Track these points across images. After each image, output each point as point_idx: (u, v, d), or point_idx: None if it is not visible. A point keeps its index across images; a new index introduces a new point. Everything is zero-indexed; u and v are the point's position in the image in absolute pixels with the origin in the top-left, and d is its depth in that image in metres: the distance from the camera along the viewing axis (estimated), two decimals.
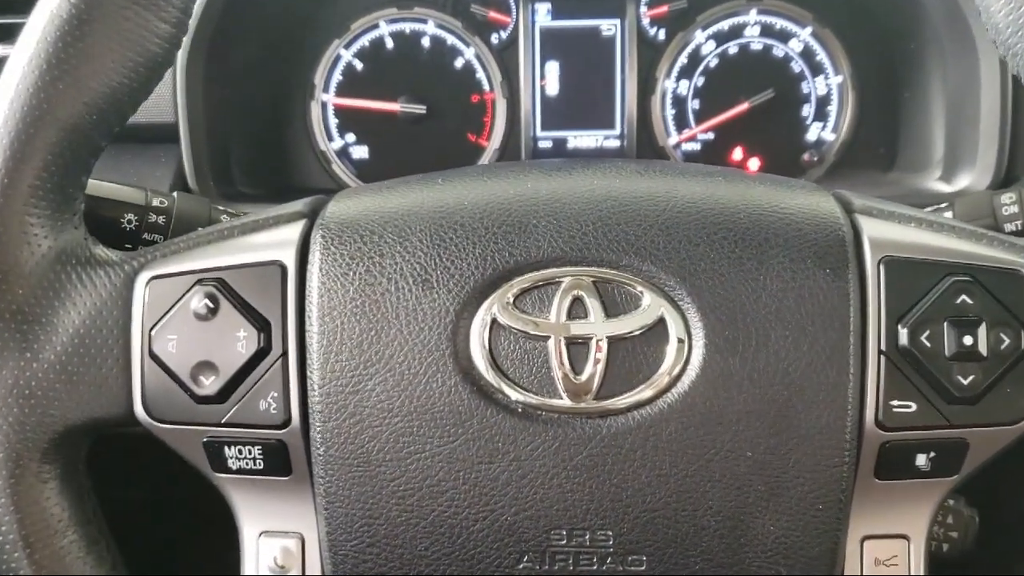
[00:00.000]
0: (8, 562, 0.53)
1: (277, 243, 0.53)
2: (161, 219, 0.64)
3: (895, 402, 0.50)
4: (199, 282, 0.52)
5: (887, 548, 0.53)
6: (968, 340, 0.49)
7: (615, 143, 0.96)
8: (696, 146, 0.96)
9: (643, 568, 0.50)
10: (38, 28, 0.49)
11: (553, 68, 0.96)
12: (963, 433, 0.51)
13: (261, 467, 0.53)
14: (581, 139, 0.96)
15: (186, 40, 0.65)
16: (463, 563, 0.52)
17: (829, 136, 0.96)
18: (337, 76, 0.97)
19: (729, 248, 0.50)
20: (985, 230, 0.54)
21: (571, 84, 0.96)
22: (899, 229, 0.52)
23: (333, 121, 0.98)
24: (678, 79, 0.96)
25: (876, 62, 0.94)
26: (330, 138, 0.98)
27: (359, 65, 0.97)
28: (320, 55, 0.96)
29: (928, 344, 0.49)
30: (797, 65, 0.95)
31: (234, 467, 0.53)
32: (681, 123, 0.96)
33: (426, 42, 0.96)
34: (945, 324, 0.49)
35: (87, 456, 0.56)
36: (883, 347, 0.50)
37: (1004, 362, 0.49)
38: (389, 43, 0.96)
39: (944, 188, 0.82)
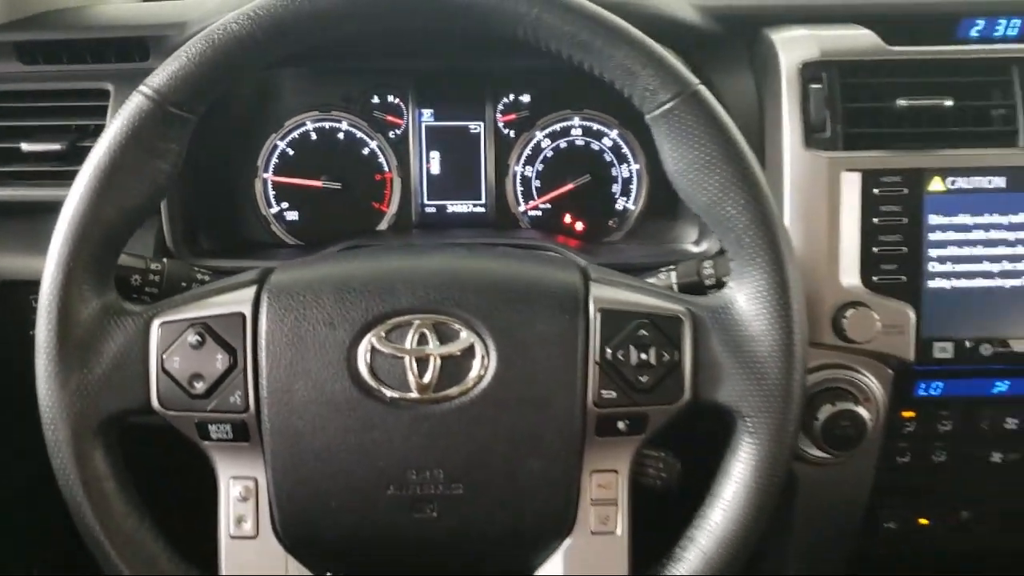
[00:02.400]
0: (72, 496, 0.67)
1: (239, 301, 0.69)
2: (156, 278, 0.83)
3: (604, 392, 0.67)
4: (191, 326, 0.68)
5: (605, 478, 0.69)
6: (644, 356, 0.67)
7: (481, 209, 1.13)
8: (539, 212, 1.13)
9: (460, 492, 0.67)
10: (89, 169, 0.66)
11: (435, 155, 1.12)
12: (644, 410, 0.68)
13: (231, 437, 0.68)
14: (456, 207, 1.13)
15: None
16: (353, 491, 0.67)
17: (631, 207, 1.13)
18: (274, 160, 1.11)
19: (512, 304, 0.68)
20: (665, 290, 0.72)
21: (448, 167, 1.12)
22: (613, 291, 0.70)
23: (271, 193, 1.12)
24: (524, 165, 1.12)
25: None
26: (269, 205, 1.12)
27: (290, 151, 1.12)
28: (261, 145, 1.11)
29: (622, 358, 0.67)
30: (608, 156, 1.12)
31: (215, 437, 0.69)
32: (527, 196, 1.13)
33: (341, 135, 1.11)
34: (631, 347, 0.67)
35: (119, 437, 0.70)
36: (598, 359, 0.67)
37: (665, 368, 0.67)
38: (313, 135, 1.11)
39: (695, 249, 1.02)
